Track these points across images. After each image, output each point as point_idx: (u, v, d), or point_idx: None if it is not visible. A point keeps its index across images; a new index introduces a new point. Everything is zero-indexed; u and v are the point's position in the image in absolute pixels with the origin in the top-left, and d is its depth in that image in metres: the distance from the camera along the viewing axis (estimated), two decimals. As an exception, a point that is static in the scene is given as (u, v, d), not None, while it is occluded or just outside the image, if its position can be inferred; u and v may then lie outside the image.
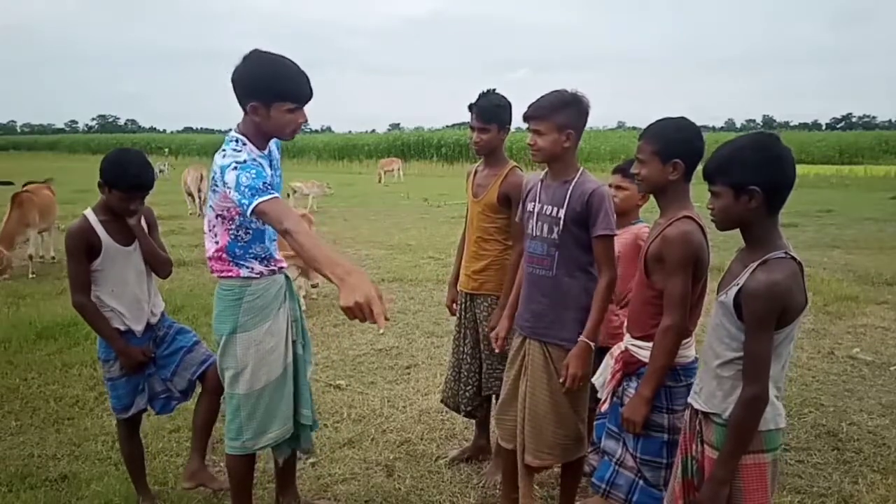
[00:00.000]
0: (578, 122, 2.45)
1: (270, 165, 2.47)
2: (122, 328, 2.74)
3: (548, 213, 2.50)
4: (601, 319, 2.43)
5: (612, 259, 2.45)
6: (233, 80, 2.31)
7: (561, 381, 2.45)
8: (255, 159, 2.27)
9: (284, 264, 2.64)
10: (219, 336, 2.50)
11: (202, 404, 2.92)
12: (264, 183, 2.18)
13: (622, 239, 2.89)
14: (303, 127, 2.43)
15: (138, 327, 2.77)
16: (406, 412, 4.02)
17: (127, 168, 2.65)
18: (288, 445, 2.71)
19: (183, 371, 2.85)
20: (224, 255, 2.44)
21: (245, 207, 2.14)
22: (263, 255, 2.50)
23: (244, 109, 2.35)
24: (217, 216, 2.42)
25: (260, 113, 2.31)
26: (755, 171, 1.79)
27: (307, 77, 2.35)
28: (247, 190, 2.15)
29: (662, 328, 2.12)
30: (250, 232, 2.44)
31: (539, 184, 2.58)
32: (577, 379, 2.41)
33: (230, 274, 2.45)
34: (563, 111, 2.42)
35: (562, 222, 2.45)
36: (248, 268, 2.46)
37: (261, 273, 2.48)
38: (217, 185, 2.30)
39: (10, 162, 34.10)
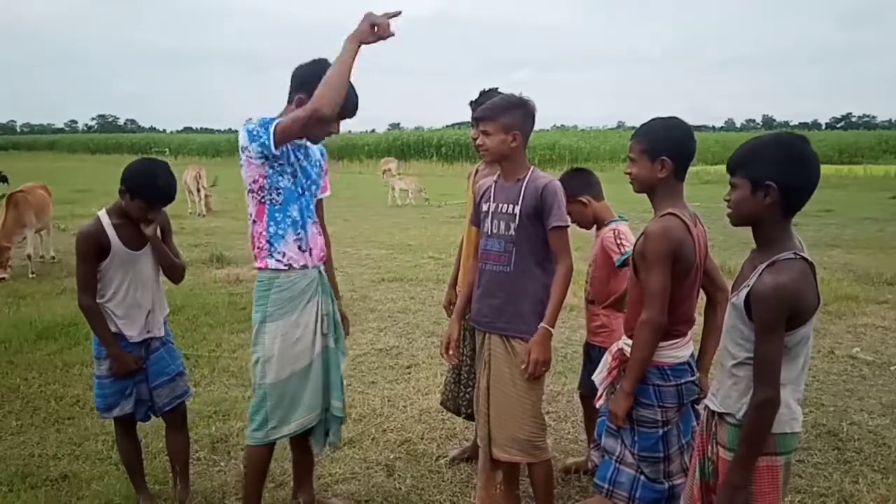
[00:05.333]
0: (524, 124, 2.56)
1: (307, 158, 2.62)
2: (113, 330, 2.72)
3: (504, 210, 2.59)
4: (560, 306, 2.53)
5: (567, 248, 2.55)
6: (294, 74, 2.56)
7: (523, 366, 2.49)
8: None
9: (319, 261, 2.70)
10: (253, 324, 2.62)
11: (173, 438, 2.95)
12: (272, 119, 2.40)
13: (595, 241, 2.91)
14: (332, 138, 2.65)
15: (131, 333, 2.75)
16: (406, 412, 4.03)
17: (155, 180, 2.64)
18: (322, 436, 2.79)
19: (168, 391, 2.85)
20: (262, 239, 2.55)
21: (265, 140, 2.38)
22: (297, 241, 2.57)
23: (290, 101, 2.55)
24: (249, 193, 2.55)
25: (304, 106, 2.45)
26: (775, 167, 1.78)
27: (359, 101, 2.59)
28: (260, 129, 2.39)
29: (639, 322, 2.14)
30: (281, 192, 2.52)
31: (493, 185, 2.67)
32: (538, 364, 2.47)
33: (261, 265, 2.58)
34: (509, 112, 2.53)
35: (518, 218, 2.54)
36: (277, 259, 2.56)
37: (289, 266, 2.57)
38: (241, 158, 2.48)
39: (9, 162, 34.00)
